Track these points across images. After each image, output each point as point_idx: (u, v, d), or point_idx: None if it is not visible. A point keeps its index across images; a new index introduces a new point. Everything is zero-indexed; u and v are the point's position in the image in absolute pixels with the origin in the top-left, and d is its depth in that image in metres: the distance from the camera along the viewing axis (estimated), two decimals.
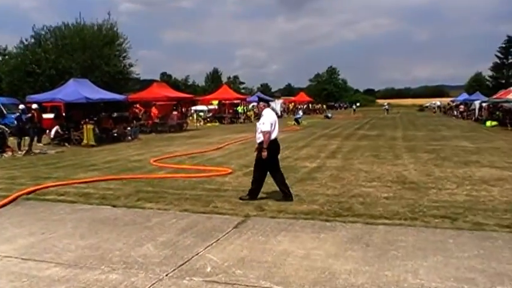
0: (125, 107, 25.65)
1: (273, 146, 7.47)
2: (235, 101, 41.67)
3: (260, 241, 5.45)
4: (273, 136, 7.50)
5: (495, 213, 6.53)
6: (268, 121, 7.40)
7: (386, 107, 62.81)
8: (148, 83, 34.61)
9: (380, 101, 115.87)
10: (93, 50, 31.74)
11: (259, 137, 7.47)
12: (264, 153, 7.38)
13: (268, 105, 7.98)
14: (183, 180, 9.68)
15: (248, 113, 41.23)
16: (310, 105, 68.55)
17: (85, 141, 18.34)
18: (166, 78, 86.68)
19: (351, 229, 5.87)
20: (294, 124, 33.29)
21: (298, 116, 36.56)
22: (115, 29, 34.20)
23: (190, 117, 40.53)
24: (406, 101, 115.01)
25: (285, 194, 7.61)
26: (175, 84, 71.46)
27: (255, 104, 48.67)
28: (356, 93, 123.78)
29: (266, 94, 62.28)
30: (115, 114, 23.06)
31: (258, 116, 7.81)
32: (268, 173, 7.67)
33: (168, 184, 9.31)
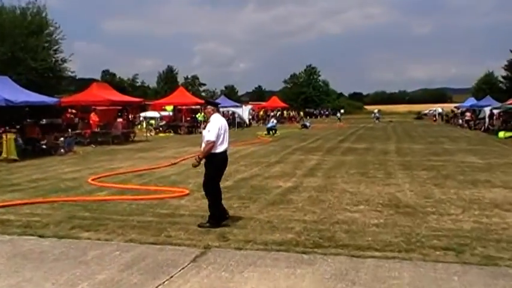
0: (56, 112, 25.17)
1: (217, 159, 7.68)
2: (194, 107, 41.55)
3: (223, 278, 5.41)
4: (221, 148, 7.71)
5: (510, 245, 6.58)
6: (214, 129, 7.60)
7: (377, 114, 64.04)
8: (86, 83, 34.17)
9: (369, 108, 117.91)
10: (14, 40, 31.02)
11: None
12: (195, 163, 7.80)
13: (218, 110, 8.13)
14: (128, 204, 9.56)
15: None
16: (284, 112, 69.17)
17: (4, 155, 17.88)
18: (109, 78, 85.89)
19: (333, 263, 5.89)
20: (265, 135, 33.46)
21: (271, 124, 36.64)
22: (43, 14, 33.64)
23: (139, 126, 40.12)
24: (401, 107, 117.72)
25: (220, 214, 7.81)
26: (120, 85, 70.76)
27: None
28: (340, 98, 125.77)
29: (231, 98, 62.52)
30: (44, 121, 22.59)
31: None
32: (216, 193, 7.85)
33: (110, 208, 9.17)
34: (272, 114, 58.64)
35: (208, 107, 8.04)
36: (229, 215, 7.96)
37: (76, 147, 22.52)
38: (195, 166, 7.93)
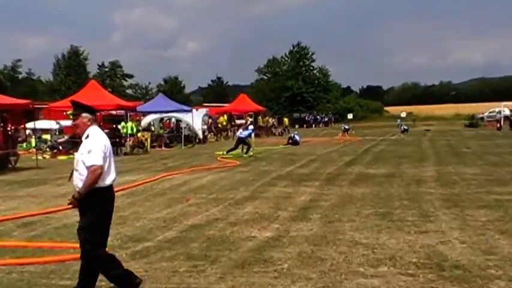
0: None
1: (103, 196, 7.60)
2: (116, 112, 41.36)
3: None
4: (110, 180, 7.67)
5: None
6: (99, 148, 7.51)
7: (403, 125, 64.16)
8: None
9: (392, 110, 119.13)
10: None
11: (82, 179, 7.51)
12: (73, 201, 7.57)
13: (95, 120, 8.02)
14: (6, 272, 9.42)
15: (140, 134, 40.97)
16: (259, 118, 69.21)
17: None
18: None
19: None
20: (226, 154, 32.96)
21: (247, 132, 35.53)
22: None
23: (24, 144, 39.69)
24: (443, 109, 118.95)
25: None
26: None
27: (154, 117, 49.07)
28: (347, 96, 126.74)
29: (174, 99, 62.30)
30: None
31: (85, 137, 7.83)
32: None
33: None
34: (246, 121, 58.38)
35: (84, 115, 7.80)
36: (139, 280, 7.89)
37: None
38: (74, 206, 7.68)
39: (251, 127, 38.06)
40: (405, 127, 62.57)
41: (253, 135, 36.16)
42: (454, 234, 11.43)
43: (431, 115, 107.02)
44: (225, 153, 33.48)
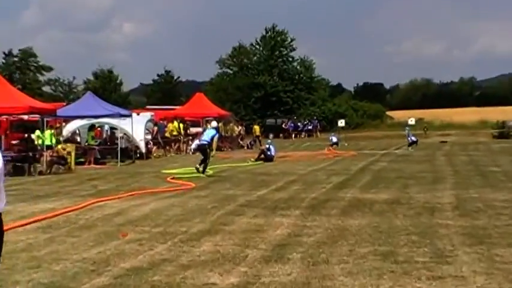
0: None
1: None
2: (28, 117, 41.14)
3: None
4: (1, 206, 7.47)
5: None
6: None
7: (412, 134, 64.01)
8: None
9: (396, 114, 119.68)
10: None
11: None
12: None
13: None
14: None
15: (61, 147, 40.78)
16: (223, 125, 69.08)
17: None
18: None
19: None
20: (178, 177, 32.89)
21: (207, 136, 34.98)
22: None
23: None
24: (463, 113, 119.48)
25: None
26: None
27: (81, 124, 48.64)
28: (338, 96, 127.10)
29: (107, 99, 62.06)
30: None
31: None
32: None
33: None
34: (208, 126, 57.68)
35: None
36: None
37: None
38: None
39: (214, 124, 37.31)
40: (413, 138, 61.07)
41: (215, 139, 35.23)
42: (478, 281, 11.41)
43: (448, 122, 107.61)
44: (175, 172, 33.26)
